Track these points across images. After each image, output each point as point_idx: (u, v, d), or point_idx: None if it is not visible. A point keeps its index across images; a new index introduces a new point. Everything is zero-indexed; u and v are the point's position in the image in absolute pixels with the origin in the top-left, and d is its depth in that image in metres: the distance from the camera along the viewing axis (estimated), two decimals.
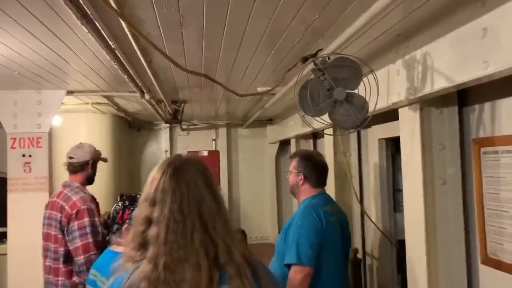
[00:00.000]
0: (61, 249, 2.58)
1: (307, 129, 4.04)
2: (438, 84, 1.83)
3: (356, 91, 1.95)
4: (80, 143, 2.95)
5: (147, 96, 3.31)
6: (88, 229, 2.54)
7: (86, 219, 2.55)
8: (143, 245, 1.09)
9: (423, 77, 1.95)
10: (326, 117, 2.03)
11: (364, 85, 1.93)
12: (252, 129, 6.03)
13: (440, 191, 2.06)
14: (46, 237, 2.70)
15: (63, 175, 4.41)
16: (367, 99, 1.94)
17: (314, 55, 2.07)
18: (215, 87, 3.34)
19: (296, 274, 2.12)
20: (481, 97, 1.96)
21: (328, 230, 2.21)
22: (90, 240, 2.54)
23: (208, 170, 1.21)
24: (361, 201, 3.25)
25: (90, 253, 2.52)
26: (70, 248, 2.53)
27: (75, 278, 2.58)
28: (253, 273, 1.10)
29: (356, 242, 3.31)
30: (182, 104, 3.93)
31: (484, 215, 1.91)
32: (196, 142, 5.94)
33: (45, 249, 2.70)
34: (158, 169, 1.16)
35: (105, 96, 3.61)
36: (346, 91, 1.92)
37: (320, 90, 1.94)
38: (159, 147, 5.88)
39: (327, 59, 1.98)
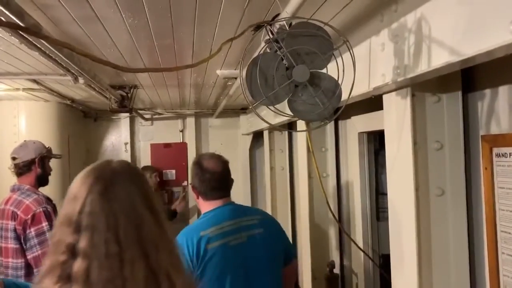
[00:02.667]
0: (21, 262, 2.37)
1: (278, 120, 3.51)
2: (438, 59, 1.29)
3: (324, 70, 1.42)
4: (24, 141, 2.66)
5: (81, 80, 2.73)
6: (47, 235, 2.34)
7: (44, 224, 2.36)
8: (64, 279, 0.87)
9: (416, 51, 1.41)
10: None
11: (337, 63, 1.39)
12: (224, 119, 5.47)
13: (437, 204, 1.54)
14: (3, 252, 2.44)
15: (6, 178, 3.85)
16: (339, 81, 1.41)
17: (270, 22, 1.51)
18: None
19: None
20: (493, 78, 1.44)
21: (208, 259, 1.82)
22: None
23: (146, 182, 1.02)
24: (338, 210, 2.74)
25: None
26: (29, 257, 2.34)
27: None
28: None
29: (333, 254, 2.80)
30: (132, 90, 3.35)
31: (497, 239, 1.40)
32: (161, 134, 5.37)
33: (0, 266, 2.46)
34: (82, 183, 0.94)
35: (35, 81, 3.01)
36: (311, 70, 1.38)
37: (276, 69, 1.39)
38: (119, 139, 5.29)
39: (286, 25, 1.44)
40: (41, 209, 2.44)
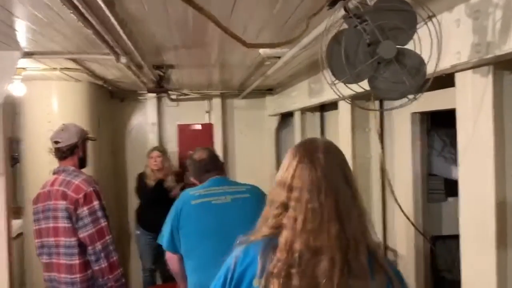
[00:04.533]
0: (74, 241, 2.41)
1: (316, 100, 3.46)
2: None
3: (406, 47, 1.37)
4: (63, 124, 2.68)
5: (123, 60, 2.70)
6: (99, 213, 2.41)
7: (96, 203, 2.42)
8: (276, 227, 1.12)
9: (503, 27, 1.36)
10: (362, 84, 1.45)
11: (419, 39, 1.35)
12: (249, 100, 5.42)
13: None
14: (52, 232, 2.46)
15: (34, 157, 3.86)
16: (424, 58, 1.36)
17: None
18: (208, 47, 2.72)
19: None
20: None
21: (191, 212, 2.31)
22: (103, 224, 2.43)
23: (345, 160, 1.19)
24: (382, 192, 2.71)
25: (106, 238, 2.42)
26: (81, 236, 2.38)
27: (89, 272, 2.43)
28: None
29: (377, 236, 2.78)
30: (168, 70, 3.31)
31: None
32: (187, 115, 5.33)
33: (50, 246, 2.48)
34: (294, 154, 1.16)
35: (74, 60, 2.98)
36: (397, 46, 1.33)
37: (359, 45, 1.35)
38: (146, 120, 5.26)
39: (366, 0, 1.39)
40: (91, 188, 2.45)
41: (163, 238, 2.41)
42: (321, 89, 3.27)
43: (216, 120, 5.35)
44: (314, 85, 3.48)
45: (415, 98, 1.38)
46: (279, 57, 2.76)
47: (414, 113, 2.35)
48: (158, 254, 4.35)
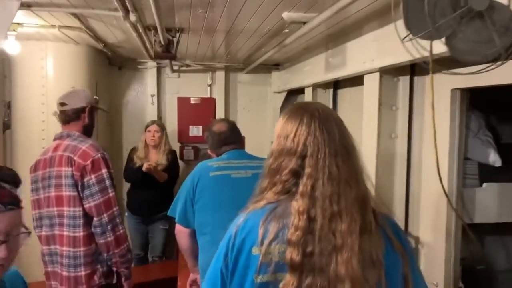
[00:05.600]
0: (79, 211, 2.20)
1: (335, 75, 3.24)
2: None
3: None
4: (73, 87, 2.57)
5: (132, 17, 2.43)
6: (107, 182, 2.22)
7: (104, 170, 2.22)
8: (282, 193, 1.11)
9: None
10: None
11: None
12: (254, 75, 5.17)
13: None
14: (54, 201, 2.25)
15: (26, 123, 3.58)
16: None
17: None
18: (226, 8, 2.47)
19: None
20: None
21: (208, 184, 2.18)
22: (111, 194, 2.23)
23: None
24: (407, 175, 2.53)
25: (113, 209, 2.23)
26: (87, 206, 2.18)
27: (93, 245, 2.24)
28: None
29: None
30: (178, 34, 3.04)
31: None
32: (188, 87, 5.06)
33: (51, 217, 2.27)
34: (295, 119, 1.13)
35: (77, 16, 2.70)
36: None
37: None
38: (144, 91, 4.98)
39: None
40: (99, 155, 2.24)
41: (175, 210, 2.26)
42: (342, 63, 3.05)
43: (218, 94, 5.10)
44: (333, 58, 3.26)
45: (502, 62, 1.18)
46: (304, 23, 2.52)
47: (454, 90, 2.15)
48: (146, 240, 4.16)
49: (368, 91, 2.71)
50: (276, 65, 5.04)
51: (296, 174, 1.09)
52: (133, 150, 4.16)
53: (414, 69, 2.58)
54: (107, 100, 4.70)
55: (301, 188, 1.07)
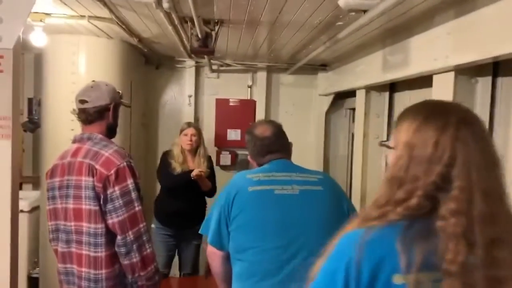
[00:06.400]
0: (101, 228, 1.92)
1: (394, 75, 2.82)
2: None
3: None
4: (94, 81, 2.15)
5: (165, 4, 2.13)
6: (133, 195, 1.92)
7: (130, 181, 1.92)
8: (416, 209, 0.92)
9: None
10: None
11: None
12: (298, 76, 4.80)
13: None
14: (72, 215, 1.96)
15: (55, 122, 3.38)
16: None
17: None
18: None
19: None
20: None
21: (247, 201, 1.80)
22: (137, 208, 1.93)
23: None
24: None
25: (139, 226, 1.93)
26: (110, 222, 1.90)
27: (116, 266, 1.94)
28: None
29: None
30: (217, 27, 2.73)
31: None
32: (227, 88, 4.75)
33: (68, 232, 1.99)
34: (437, 122, 0.95)
35: (106, 5, 2.43)
36: None
37: None
38: (182, 91, 4.71)
39: None
40: (125, 163, 1.92)
41: (208, 229, 1.92)
42: (404, 61, 2.62)
43: (259, 96, 4.75)
44: (392, 56, 2.83)
45: None
46: (364, 11, 2.13)
47: None
48: (172, 256, 3.71)
49: (438, 94, 2.27)
50: (322, 66, 4.65)
51: (439, 186, 0.91)
52: (167, 154, 3.67)
53: (497, 68, 2.13)
54: (143, 101, 4.48)
55: (453, 204, 0.90)
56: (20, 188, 4.29)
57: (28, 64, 4.24)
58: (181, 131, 3.62)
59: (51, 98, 3.38)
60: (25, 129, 3.83)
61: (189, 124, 3.68)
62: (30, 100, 3.69)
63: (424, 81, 2.64)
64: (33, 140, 4.09)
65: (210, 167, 3.70)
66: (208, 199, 3.64)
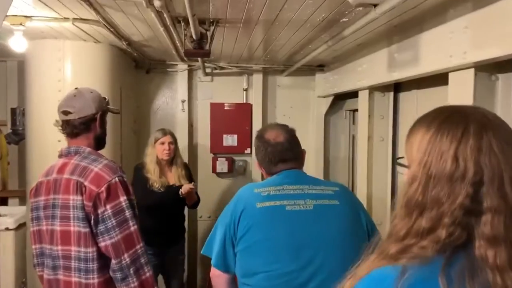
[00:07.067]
0: (92, 252, 1.72)
1: (401, 75, 2.65)
2: None
3: None
4: (76, 88, 1.95)
5: (157, 2, 1.94)
6: (127, 213, 1.73)
7: (123, 198, 1.73)
8: (445, 239, 0.77)
9: None
10: None
11: None
12: (296, 78, 4.62)
13: None
14: (58, 238, 1.77)
15: (40, 133, 3.15)
16: None
17: None
18: None
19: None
20: None
21: (256, 219, 1.61)
22: (133, 228, 1.74)
23: None
24: None
25: (136, 248, 1.74)
26: (103, 245, 1.71)
27: None
28: None
29: None
30: (213, 27, 2.54)
31: None
32: (222, 92, 4.56)
33: (54, 257, 1.79)
34: (455, 130, 0.80)
35: (92, 5, 2.23)
36: None
37: None
38: (174, 96, 4.51)
39: None
40: (116, 178, 1.74)
41: (211, 250, 1.73)
42: (413, 59, 2.46)
43: (255, 99, 4.56)
44: (400, 54, 2.67)
45: None
46: (375, 5, 1.96)
47: None
48: (156, 275, 3.29)
49: (456, 93, 2.11)
50: (320, 66, 4.48)
51: (469, 209, 0.77)
52: (140, 168, 3.29)
53: None
54: (133, 107, 4.27)
55: (487, 231, 0.76)
56: (6, 204, 4.12)
57: (11, 72, 4.02)
58: (156, 140, 3.27)
59: (36, 108, 3.16)
60: (8, 141, 3.60)
61: (164, 132, 3.30)
62: (13, 110, 3.46)
63: (434, 79, 2.48)
64: (18, 152, 3.86)
65: (189, 175, 3.47)
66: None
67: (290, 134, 1.82)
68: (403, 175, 0.93)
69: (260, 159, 1.82)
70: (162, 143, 3.24)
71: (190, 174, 3.53)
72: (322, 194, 1.66)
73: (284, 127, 1.86)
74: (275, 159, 1.76)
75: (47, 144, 3.07)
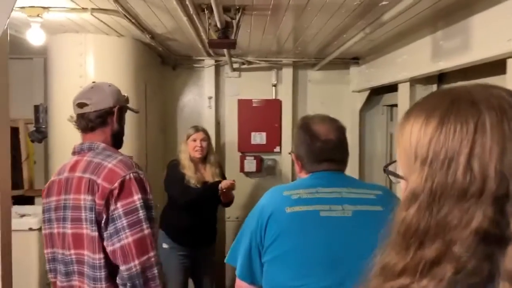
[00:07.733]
0: (100, 259, 1.56)
1: (450, 64, 2.38)
2: None
3: None
4: (94, 82, 1.83)
5: None
6: (141, 214, 1.54)
7: (137, 197, 1.55)
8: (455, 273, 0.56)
9: None
10: None
11: None
12: (328, 72, 4.38)
13: None
14: (71, 241, 1.62)
15: (62, 131, 3.05)
16: None
17: None
18: None
19: None
20: None
21: (284, 226, 1.39)
22: (147, 231, 1.54)
23: None
24: None
25: (149, 255, 1.54)
26: (110, 249, 1.53)
27: None
28: None
29: None
30: (238, 15, 2.35)
31: None
32: (250, 88, 4.37)
33: (67, 263, 1.64)
34: (463, 123, 0.58)
35: None
36: None
37: None
38: (201, 93, 4.36)
39: None
40: (131, 174, 1.57)
41: (235, 259, 1.53)
42: (463, 45, 2.19)
43: (285, 95, 4.35)
44: (446, 41, 2.40)
45: None
46: None
47: None
48: (187, 283, 3.21)
49: None
50: (355, 59, 4.22)
51: (489, 234, 0.55)
52: (176, 164, 3.15)
53: None
54: (159, 105, 4.14)
55: None
56: (33, 203, 4.08)
57: (38, 69, 3.97)
58: (188, 136, 3.18)
59: (57, 105, 3.06)
60: (32, 139, 3.54)
61: (197, 129, 3.22)
62: (36, 108, 3.39)
63: (485, 68, 2.21)
64: (44, 150, 3.80)
65: (223, 174, 3.36)
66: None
67: (342, 132, 1.58)
68: (400, 188, 0.72)
69: (303, 153, 1.56)
70: (194, 140, 3.15)
71: (224, 173, 3.42)
72: (363, 199, 1.43)
73: (335, 122, 1.60)
74: (322, 157, 1.52)
75: (70, 141, 2.93)
